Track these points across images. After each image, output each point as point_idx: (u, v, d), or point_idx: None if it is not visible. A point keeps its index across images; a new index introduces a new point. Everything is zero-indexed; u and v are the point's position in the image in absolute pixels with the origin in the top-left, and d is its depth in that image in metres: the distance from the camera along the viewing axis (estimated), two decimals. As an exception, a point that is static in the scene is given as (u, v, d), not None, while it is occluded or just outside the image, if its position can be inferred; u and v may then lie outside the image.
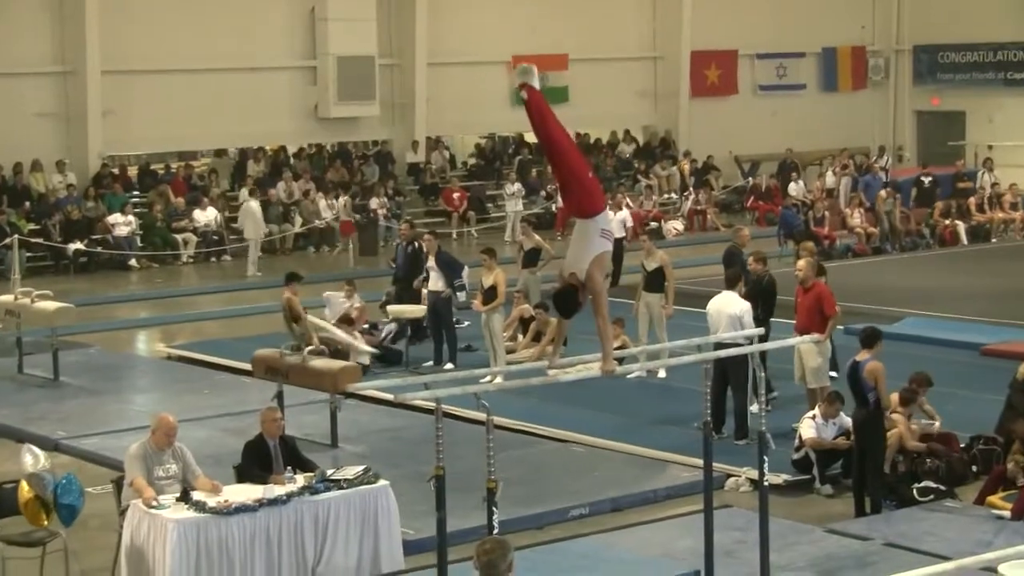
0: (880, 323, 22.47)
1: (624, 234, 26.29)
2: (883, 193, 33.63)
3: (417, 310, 21.92)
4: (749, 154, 41.96)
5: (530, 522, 13.85)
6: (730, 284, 17.29)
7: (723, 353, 13.91)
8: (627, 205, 31.78)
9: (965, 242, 33.53)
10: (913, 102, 44.71)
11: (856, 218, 33.13)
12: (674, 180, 40.07)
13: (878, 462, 14.15)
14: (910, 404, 15.31)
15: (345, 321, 21.15)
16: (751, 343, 13.76)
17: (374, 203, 34.63)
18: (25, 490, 12.22)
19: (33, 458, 12.54)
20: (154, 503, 11.55)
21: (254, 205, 32.09)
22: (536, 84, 10.11)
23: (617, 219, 25.51)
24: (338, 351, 20.43)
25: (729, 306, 16.70)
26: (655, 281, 19.92)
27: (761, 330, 14.35)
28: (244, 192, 33.34)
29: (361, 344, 20.52)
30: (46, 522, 12.28)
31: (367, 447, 16.65)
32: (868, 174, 38.39)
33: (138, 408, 18.54)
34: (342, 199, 34.38)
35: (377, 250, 32.98)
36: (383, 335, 21.74)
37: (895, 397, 15.19)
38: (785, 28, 42.56)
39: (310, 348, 16.87)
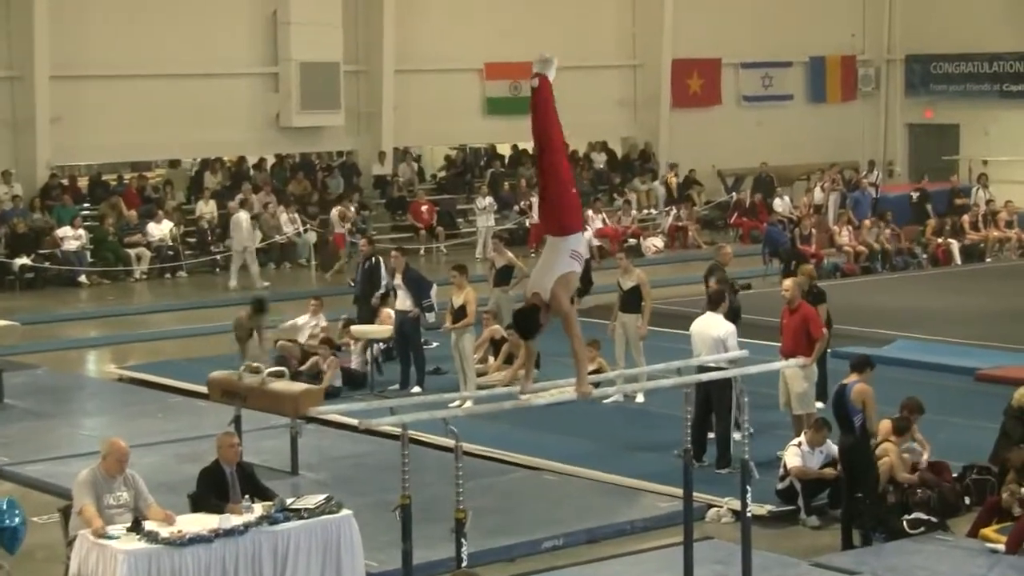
0: (870, 346, 22.70)
1: (588, 255, 26.16)
2: (868, 222, 33.73)
3: (383, 331, 21.92)
4: (733, 168, 42.04)
5: (501, 554, 13.84)
6: (713, 304, 17.28)
7: (704, 377, 13.97)
8: (600, 221, 31.94)
9: (959, 262, 33.68)
10: (905, 114, 44.89)
11: (844, 236, 33.26)
12: (654, 195, 40.15)
13: (868, 490, 14.19)
14: (904, 434, 15.35)
15: (326, 343, 21.16)
16: (734, 366, 13.80)
17: (335, 216, 34.59)
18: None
19: None
20: (104, 533, 11.51)
21: (243, 216, 32.03)
22: (551, 76, 10.22)
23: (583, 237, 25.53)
24: (299, 372, 20.46)
25: (712, 328, 16.71)
26: (632, 301, 19.93)
27: (746, 352, 14.41)
28: (236, 202, 32.98)
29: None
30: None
31: (329, 474, 16.63)
32: (857, 190, 38.54)
33: (87, 433, 18.49)
34: (337, 210, 34.34)
35: (341, 267, 32.98)
36: (372, 355, 21.59)
37: (887, 424, 15.25)
38: (771, 36, 42.70)
39: (270, 370, 16.84)
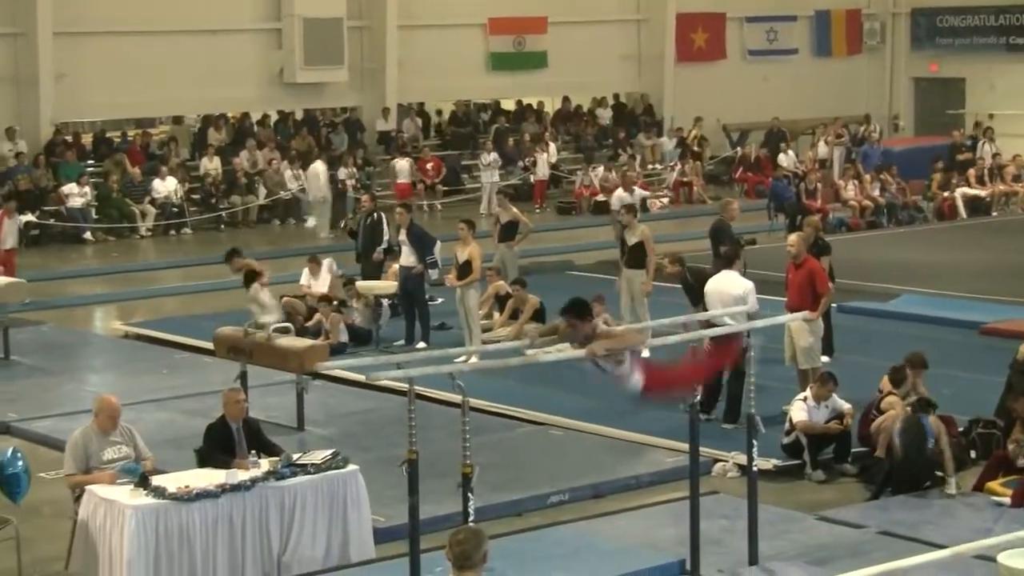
0: (875, 300, 22.73)
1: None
2: (868, 176, 33.65)
3: (388, 286, 21.92)
4: (738, 123, 41.99)
5: (507, 509, 13.87)
6: (728, 262, 17.21)
7: (709, 332, 13.96)
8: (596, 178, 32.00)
9: (964, 216, 33.63)
10: (910, 68, 44.75)
11: (850, 191, 33.20)
12: (659, 150, 40.08)
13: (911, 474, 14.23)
14: (901, 384, 15.37)
15: (324, 300, 21.17)
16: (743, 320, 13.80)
17: (342, 173, 34.57)
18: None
19: None
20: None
21: (320, 166, 32.37)
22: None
23: (633, 200, 25.19)
24: (305, 329, 20.48)
25: (732, 286, 16.60)
26: (636, 256, 19.92)
27: (757, 306, 14.41)
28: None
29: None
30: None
31: (335, 430, 16.66)
32: (865, 143, 38.44)
33: (93, 389, 18.47)
34: (404, 161, 34.45)
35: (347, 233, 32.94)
36: (380, 312, 21.60)
37: (884, 379, 15.31)
38: (776, -11, 42.61)
39: (275, 325, 16.85)
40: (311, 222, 33.45)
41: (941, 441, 14.16)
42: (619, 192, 25.86)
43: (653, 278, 19.94)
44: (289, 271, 23.93)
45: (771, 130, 40.72)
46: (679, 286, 18.53)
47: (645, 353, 19.16)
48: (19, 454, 12.45)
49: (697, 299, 17.21)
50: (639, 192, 27.51)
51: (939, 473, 14.29)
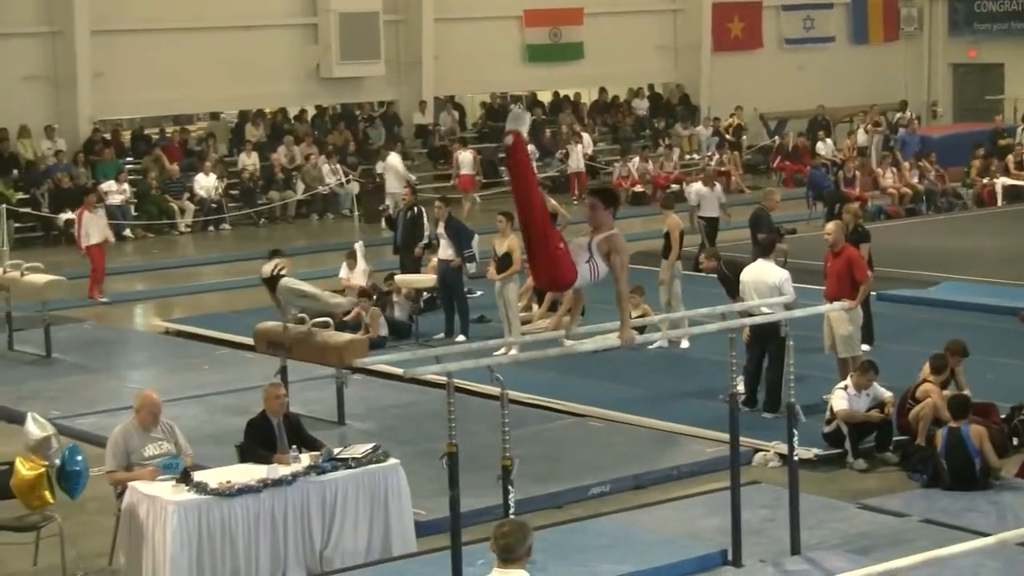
0: (915, 288, 22.64)
1: (718, 214, 25.15)
2: (907, 164, 33.48)
3: (426, 280, 21.93)
4: (775, 111, 41.89)
5: (548, 501, 13.87)
6: (764, 252, 17.15)
7: (748, 321, 13.95)
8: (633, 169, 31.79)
9: (1001, 203, 33.43)
10: (948, 54, 44.55)
11: (889, 178, 33.06)
12: (696, 140, 40.01)
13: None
14: (942, 372, 15.31)
15: (363, 295, 21.17)
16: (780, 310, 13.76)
17: (380, 167, 34.60)
18: (24, 468, 12.24)
19: (39, 426, 12.54)
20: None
21: (395, 159, 32.46)
22: (525, 131, 10.00)
23: (713, 195, 25.02)
24: (344, 323, 20.48)
25: (768, 275, 16.56)
26: (666, 246, 19.96)
27: (793, 295, 14.39)
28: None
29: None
30: (48, 496, 12.29)
31: (375, 424, 16.69)
32: (901, 130, 38.29)
33: (134, 385, 18.55)
34: (467, 152, 34.45)
35: (384, 221, 32.98)
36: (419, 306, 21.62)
37: (926, 367, 15.26)
38: (812, -23, 42.49)
39: (315, 320, 16.87)
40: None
41: (985, 449, 14.05)
42: (697, 186, 25.44)
43: (672, 267, 19.89)
44: (327, 265, 24.00)
45: (815, 118, 40.58)
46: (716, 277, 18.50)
47: (684, 344, 19.34)
48: (79, 453, 12.54)
49: (734, 291, 17.18)
50: (718, 190, 25.73)
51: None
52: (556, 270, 10.02)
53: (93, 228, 24.84)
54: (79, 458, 12.43)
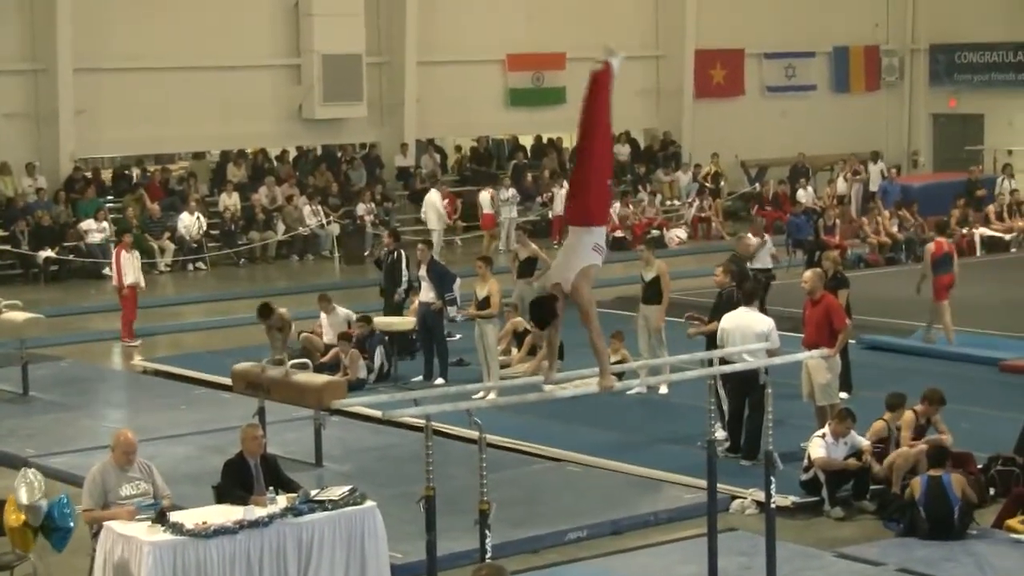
0: (894, 336, 22.69)
1: (771, 265, 24.55)
2: (887, 212, 33.56)
3: (406, 323, 21.94)
4: (756, 159, 42.01)
5: (525, 546, 13.87)
6: (748, 299, 17.16)
7: (727, 368, 13.98)
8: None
9: (979, 253, 33.56)
10: (929, 104, 44.78)
11: (868, 227, 33.19)
12: (677, 186, 40.13)
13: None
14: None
15: (343, 338, 21.15)
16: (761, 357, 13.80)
17: (361, 209, 34.67)
18: (13, 516, 12.21)
19: (28, 489, 12.44)
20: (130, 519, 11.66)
21: (435, 196, 32.91)
22: (616, 67, 10.24)
23: (764, 250, 24.34)
24: (323, 365, 20.49)
25: (754, 324, 16.54)
26: (653, 292, 19.91)
27: (778, 343, 14.41)
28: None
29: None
30: (31, 544, 12.27)
31: (353, 466, 16.67)
32: (884, 180, 38.41)
33: (111, 424, 18.51)
34: (486, 192, 34.67)
35: (364, 259, 33.03)
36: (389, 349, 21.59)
37: (908, 414, 15.37)
38: (794, 26, 42.64)
39: (293, 362, 16.88)
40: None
41: (967, 495, 14.10)
42: (749, 238, 24.50)
43: (665, 313, 19.87)
44: (308, 307, 23.94)
45: (795, 165, 40.72)
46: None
47: (663, 390, 19.35)
48: (70, 504, 12.47)
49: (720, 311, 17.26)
50: (769, 242, 24.92)
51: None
52: (597, 202, 10.24)
53: (129, 268, 24.77)
54: (68, 512, 12.37)
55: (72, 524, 12.37)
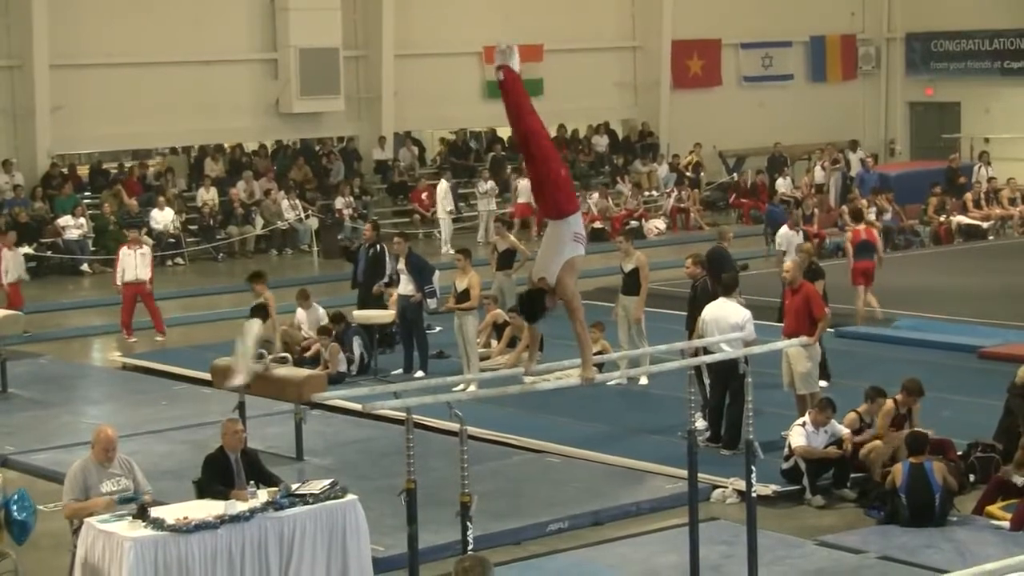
0: (873, 325, 22.73)
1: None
2: (864, 201, 33.57)
3: (385, 315, 21.93)
4: (734, 149, 42.04)
5: (507, 537, 13.87)
6: (727, 290, 17.18)
7: (708, 359, 14.00)
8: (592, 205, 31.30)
9: (958, 240, 33.62)
10: (906, 93, 44.84)
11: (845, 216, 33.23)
12: (655, 177, 40.13)
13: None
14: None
15: (323, 332, 21.12)
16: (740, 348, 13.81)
17: (339, 203, 34.62)
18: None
19: None
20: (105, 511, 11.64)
21: (445, 185, 33.46)
22: (515, 66, 10.14)
23: (800, 239, 23.49)
24: (303, 359, 20.48)
25: (731, 315, 16.59)
26: (633, 283, 19.92)
27: (754, 335, 14.40)
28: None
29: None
30: (1, 541, 12.26)
31: (334, 460, 16.66)
32: (861, 168, 38.47)
33: (91, 421, 18.48)
34: (524, 180, 34.39)
35: (342, 251, 32.94)
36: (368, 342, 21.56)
37: (888, 403, 15.39)
38: (771, 16, 42.67)
39: (273, 356, 16.86)
40: (445, 247, 33.37)
41: (948, 483, 14.15)
42: (784, 230, 24.22)
43: (644, 304, 19.85)
44: (287, 301, 23.90)
45: (773, 155, 40.77)
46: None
47: (643, 380, 19.37)
48: (27, 500, 12.46)
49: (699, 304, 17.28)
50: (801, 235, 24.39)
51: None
52: (560, 193, 10.19)
53: (12, 265, 24.72)
54: (27, 506, 12.35)
55: (29, 518, 12.33)
